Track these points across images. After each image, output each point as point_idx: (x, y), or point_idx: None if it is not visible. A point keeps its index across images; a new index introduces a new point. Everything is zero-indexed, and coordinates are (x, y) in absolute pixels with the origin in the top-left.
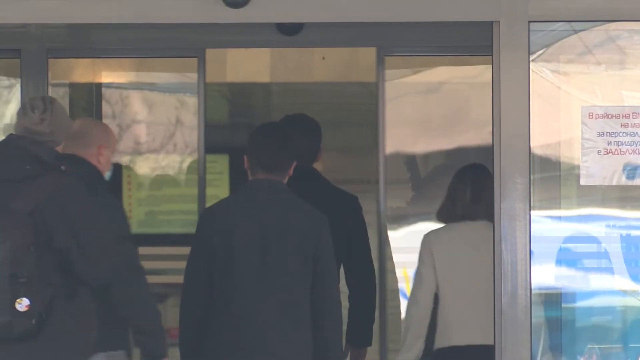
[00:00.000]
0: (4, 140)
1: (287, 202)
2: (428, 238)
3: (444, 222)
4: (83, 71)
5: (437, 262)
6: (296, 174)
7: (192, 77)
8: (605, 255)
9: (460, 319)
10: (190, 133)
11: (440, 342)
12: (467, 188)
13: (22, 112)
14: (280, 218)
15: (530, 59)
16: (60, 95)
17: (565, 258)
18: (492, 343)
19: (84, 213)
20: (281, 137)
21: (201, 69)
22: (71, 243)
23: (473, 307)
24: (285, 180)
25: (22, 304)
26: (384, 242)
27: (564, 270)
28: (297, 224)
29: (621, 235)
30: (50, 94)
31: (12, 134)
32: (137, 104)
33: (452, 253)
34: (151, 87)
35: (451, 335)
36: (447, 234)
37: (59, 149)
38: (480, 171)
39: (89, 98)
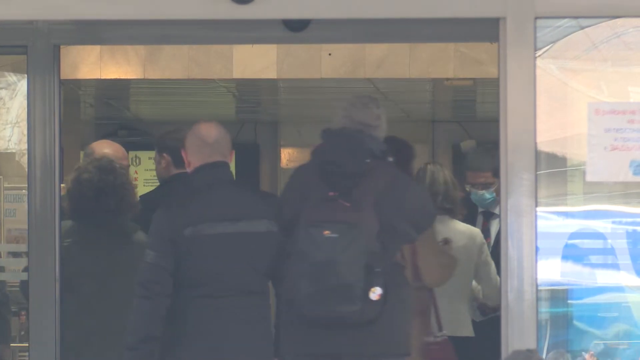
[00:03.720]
0: (340, 134)
1: None
2: None
3: None
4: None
5: None
6: None
7: None
8: (611, 251)
9: None
10: None
11: None
12: None
13: (353, 107)
14: None
15: (537, 55)
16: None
17: (572, 254)
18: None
19: (415, 199)
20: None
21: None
22: (410, 227)
23: None
24: None
25: (375, 293)
26: None
27: (570, 266)
28: None
29: (627, 231)
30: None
31: (346, 127)
32: None
33: None
34: None
35: None
36: None
37: None
38: None
39: None
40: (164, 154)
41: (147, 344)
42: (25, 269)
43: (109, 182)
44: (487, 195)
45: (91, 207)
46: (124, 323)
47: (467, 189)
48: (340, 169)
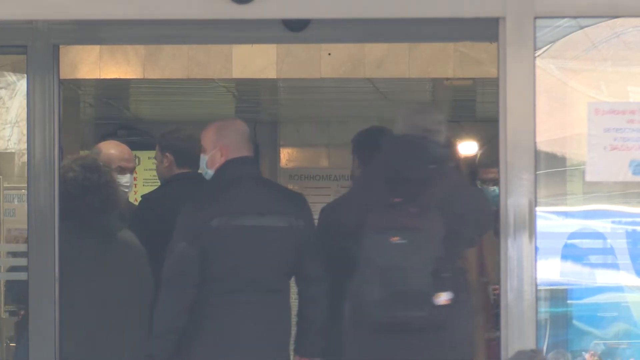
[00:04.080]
0: (402, 140)
1: None
2: None
3: None
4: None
5: None
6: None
7: None
8: (610, 251)
9: None
10: None
11: None
12: None
13: (415, 113)
14: None
15: (536, 55)
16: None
17: (571, 254)
18: None
19: (478, 203)
20: None
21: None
22: (474, 232)
23: None
24: None
25: (442, 298)
26: None
27: (569, 266)
28: None
29: (627, 231)
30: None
31: (408, 134)
32: None
33: None
34: None
35: None
36: None
37: None
38: None
39: None
40: (167, 153)
41: (173, 334)
42: (11, 269)
43: (93, 180)
44: (498, 191)
45: (76, 205)
46: (110, 320)
47: (479, 186)
48: (406, 175)
